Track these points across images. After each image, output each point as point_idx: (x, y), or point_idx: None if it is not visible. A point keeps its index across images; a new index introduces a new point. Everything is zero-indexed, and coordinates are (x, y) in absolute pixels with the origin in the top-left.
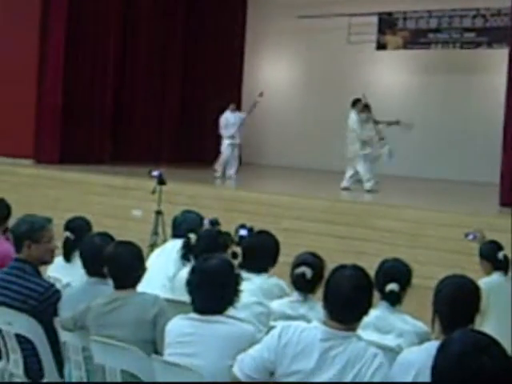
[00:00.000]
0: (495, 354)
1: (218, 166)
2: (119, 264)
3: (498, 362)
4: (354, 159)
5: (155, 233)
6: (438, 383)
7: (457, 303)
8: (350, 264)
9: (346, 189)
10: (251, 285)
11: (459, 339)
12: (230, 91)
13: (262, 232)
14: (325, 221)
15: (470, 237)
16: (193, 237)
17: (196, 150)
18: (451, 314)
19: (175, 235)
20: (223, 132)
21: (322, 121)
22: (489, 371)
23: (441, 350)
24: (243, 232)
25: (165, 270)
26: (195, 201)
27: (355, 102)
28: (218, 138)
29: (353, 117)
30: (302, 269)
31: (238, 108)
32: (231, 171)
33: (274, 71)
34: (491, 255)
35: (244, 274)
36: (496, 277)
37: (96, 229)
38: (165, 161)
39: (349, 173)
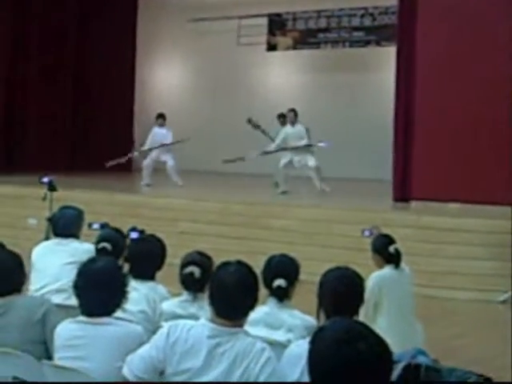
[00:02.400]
0: (371, 339)
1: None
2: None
3: (374, 348)
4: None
5: (46, 239)
6: (315, 373)
7: (340, 294)
8: (235, 260)
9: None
10: (137, 294)
11: (333, 327)
12: (123, 96)
13: (146, 237)
14: (220, 223)
15: (367, 233)
16: (107, 245)
17: (91, 157)
18: (335, 306)
19: (55, 233)
20: (146, 146)
21: (215, 123)
22: (365, 357)
23: (314, 339)
24: (134, 235)
25: (56, 272)
26: (90, 208)
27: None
28: (112, 146)
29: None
30: (190, 268)
31: (129, 113)
32: (179, 179)
33: (166, 75)
34: (383, 249)
35: (131, 282)
36: (388, 270)
37: None
38: (60, 169)
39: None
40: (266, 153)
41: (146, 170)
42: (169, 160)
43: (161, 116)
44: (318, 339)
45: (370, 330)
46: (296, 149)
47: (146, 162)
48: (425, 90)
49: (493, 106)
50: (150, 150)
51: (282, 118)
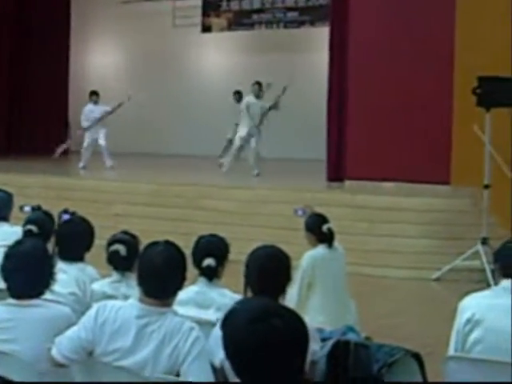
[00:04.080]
0: (285, 314)
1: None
2: None
3: (289, 322)
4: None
5: None
6: (233, 356)
7: (266, 272)
8: (162, 240)
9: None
10: (66, 276)
11: (244, 308)
12: (58, 80)
13: (74, 219)
14: (154, 204)
15: (300, 212)
16: (33, 228)
17: (26, 140)
18: (261, 284)
19: None
20: (84, 124)
21: (149, 105)
22: (282, 332)
23: (226, 322)
24: (66, 217)
25: None
26: (24, 191)
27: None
28: (48, 129)
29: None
30: (116, 246)
31: (64, 97)
32: (109, 161)
33: (101, 57)
34: (316, 228)
35: (59, 264)
36: (320, 249)
37: None
38: None
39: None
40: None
41: (86, 152)
42: (101, 139)
43: (94, 93)
44: (229, 321)
45: (282, 306)
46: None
47: (86, 143)
48: (357, 70)
49: (425, 84)
50: (90, 127)
51: (238, 95)
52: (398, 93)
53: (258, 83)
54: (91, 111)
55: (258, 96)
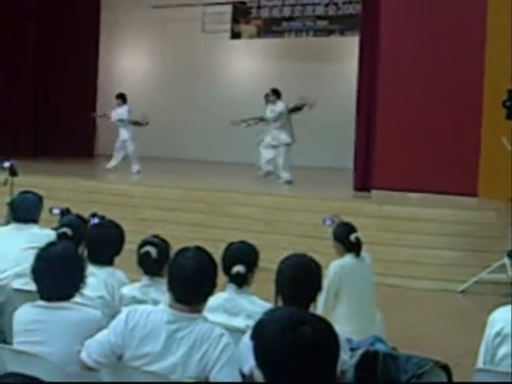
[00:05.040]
0: (314, 322)
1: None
2: None
3: (319, 329)
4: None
5: (7, 224)
6: (264, 366)
7: (297, 281)
8: (193, 246)
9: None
10: (95, 279)
11: (273, 318)
12: (86, 83)
13: (104, 223)
14: (181, 209)
15: (328, 222)
16: (68, 231)
17: (52, 144)
18: (292, 293)
19: (15, 218)
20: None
21: (177, 110)
22: (312, 340)
23: (256, 333)
24: (95, 220)
25: (15, 256)
26: (52, 193)
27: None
28: (75, 131)
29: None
30: (147, 248)
31: (92, 100)
32: (135, 167)
33: (129, 62)
34: (344, 237)
35: (89, 268)
36: (348, 258)
37: None
38: (22, 154)
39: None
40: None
41: (116, 153)
42: (129, 143)
43: (120, 96)
44: (259, 331)
45: (313, 314)
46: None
47: (116, 145)
48: (387, 80)
49: (455, 95)
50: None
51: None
52: (427, 103)
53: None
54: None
55: (273, 102)
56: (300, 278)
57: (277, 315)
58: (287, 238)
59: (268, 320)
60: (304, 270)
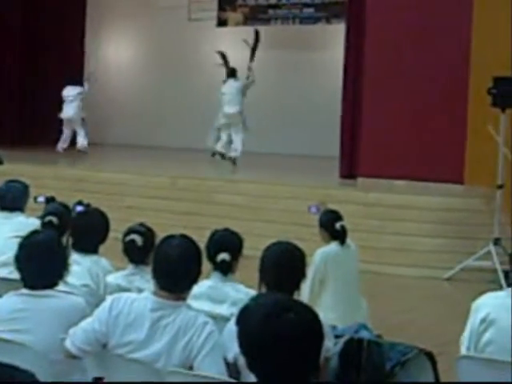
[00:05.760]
0: (299, 309)
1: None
2: None
3: (304, 316)
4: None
5: None
6: (248, 352)
7: (281, 268)
8: (178, 234)
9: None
10: (80, 267)
11: (258, 303)
12: (72, 70)
13: (89, 211)
14: (167, 198)
15: (313, 209)
16: (53, 219)
17: (38, 131)
18: (276, 280)
19: (1, 207)
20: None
21: (163, 98)
22: (296, 327)
23: (240, 318)
24: (79, 208)
25: (0, 245)
26: (37, 182)
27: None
28: (60, 120)
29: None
30: (132, 236)
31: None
32: (81, 141)
33: (115, 50)
34: (329, 225)
35: (73, 256)
36: (333, 246)
37: None
38: (7, 143)
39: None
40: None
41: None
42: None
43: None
44: (244, 317)
45: (297, 301)
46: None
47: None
48: (373, 68)
49: (441, 83)
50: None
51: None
52: (413, 91)
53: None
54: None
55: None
56: (284, 265)
57: (262, 301)
58: (273, 225)
59: (253, 306)
60: (288, 257)
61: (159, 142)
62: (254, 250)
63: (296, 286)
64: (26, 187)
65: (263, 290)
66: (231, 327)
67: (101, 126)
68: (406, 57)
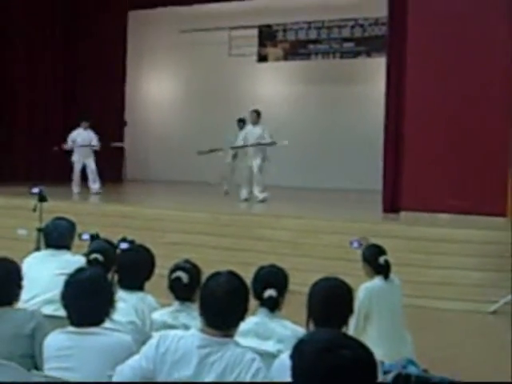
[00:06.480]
0: (353, 345)
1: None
2: None
3: (358, 353)
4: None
5: (37, 249)
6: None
7: (329, 304)
8: (225, 270)
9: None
10: (125, 304)
11: (313, 339)
12: (114, 107)
13: (135, 248)
14: (209, 233)
15: (355, 244)
16: (99, 256)
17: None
18: (324, 316)
19: (48, 244)
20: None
21: (204, 133)
22: (350, 362)
23: (295, 353)
24: (124, 245)
25: (47, 282)
26: (79, 218)
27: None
28: (103, 156)
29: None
30: (178, 273)
31: (120, 125)
32: (95, 186)
33: (157, 85)
34: (373, 259)
35: (119, 293)
36: (377, 281)
37: None
38: (50, 180)
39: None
40: (233, 148)
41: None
42: (90, 163)
43: (84, 119)
44: (299, 352)
45: (350, 337)
46: (258, 145)
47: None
48: (415, 100)
49: (484, 117)
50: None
51: (242, 123)
52: (455, 125)
53: (256, 111)
54: (78, 135)
55: (255, 123)
56: (332, 302)
57: (318, 336)
58: (315, 260)
59: (309, 340)
60: (336, 292)
61: (202, 178)
62: (298, 285)
63: (344, 322)
64: (72, 225)
65: (311, 326)
66: (280, 364)
67: (142, 161)
68: (448, 88)
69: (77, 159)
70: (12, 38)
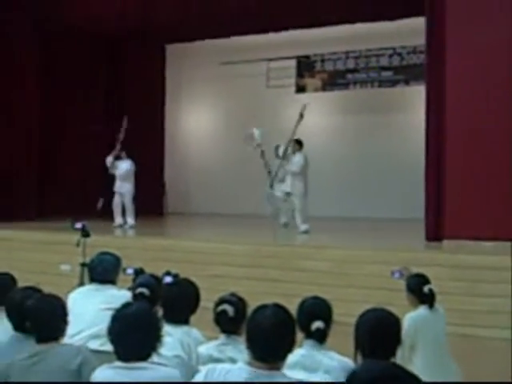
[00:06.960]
0: (405, 378)
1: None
2: (40, 317)
3: (410, 382)
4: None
5: (81, 285)
6: None
7: (377, 335)
8: (271, 303)
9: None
10: (171, 339)
11: (366, 369)
12: (154, 140)
13: (179, 281)
14: (251, 265)
15: (397, 275)
16: (145, 291)
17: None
18: (372, 347)
19: (93, 279)
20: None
21: (245, 165)
22: None
23: (348, 381)
24: (168, 279)
25: (92, 317)
26: (122, 252)
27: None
28: (144, 190)
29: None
30: (224, 306)
31: (160, 157)
32: (129, 220)
33: (196, 118)
34: (417, 289)
35: (165, 327)
36: (422, 310)
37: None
38: (93, 214)
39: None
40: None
41: (117, 208)
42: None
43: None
44: (351, 382)
45: (403, 368)
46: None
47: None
48: (455, 128)
49: None
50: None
51: (276, 150)
52: (498, 152)
53: (296, 140)
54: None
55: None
56: (380, 332)
57: (370, 367)
58: (358, 290)
59: (361, 371)
60: (384, 323)
61: (241, 210)
62: (341, 316)
63: (392, 353)
64: (117, 260)
65: (359, 357)
66: None
67: (183, 194)
68: (488, 117)
69: (117, 189)
70: (63, 82)
